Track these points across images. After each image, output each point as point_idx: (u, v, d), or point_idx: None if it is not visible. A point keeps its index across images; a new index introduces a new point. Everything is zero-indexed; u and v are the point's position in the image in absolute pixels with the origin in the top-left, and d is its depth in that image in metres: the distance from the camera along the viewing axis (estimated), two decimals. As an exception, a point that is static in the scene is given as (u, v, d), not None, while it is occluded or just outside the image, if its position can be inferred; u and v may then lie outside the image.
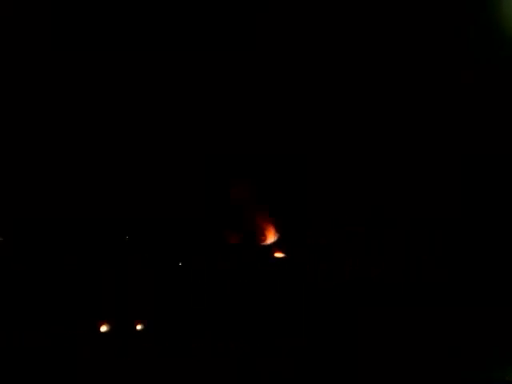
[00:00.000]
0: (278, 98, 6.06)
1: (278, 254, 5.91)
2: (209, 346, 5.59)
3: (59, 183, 5.99)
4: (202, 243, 5.90)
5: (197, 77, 6.05)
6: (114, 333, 5.67)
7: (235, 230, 5.93)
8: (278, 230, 5.90)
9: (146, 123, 6.04)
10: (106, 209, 5.95)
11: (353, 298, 5.81)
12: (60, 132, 6.01)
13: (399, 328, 5.63)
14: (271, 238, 5.95)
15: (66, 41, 5.94)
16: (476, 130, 5.95)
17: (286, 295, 5.80)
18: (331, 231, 5.99)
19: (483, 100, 5.95)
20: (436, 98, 6.02)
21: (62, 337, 5.60)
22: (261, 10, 5.96)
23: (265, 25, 5.98)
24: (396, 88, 6.01)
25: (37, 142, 5.97)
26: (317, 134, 6.06)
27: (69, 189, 5.99)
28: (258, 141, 6.04)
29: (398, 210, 6.00)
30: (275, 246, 5.94)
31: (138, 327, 5.67)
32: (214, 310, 5.76)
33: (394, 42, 5.97)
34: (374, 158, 6.06)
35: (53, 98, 6.00)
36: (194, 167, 5.97)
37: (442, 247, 5.95)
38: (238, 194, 5.91)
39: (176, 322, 5.72)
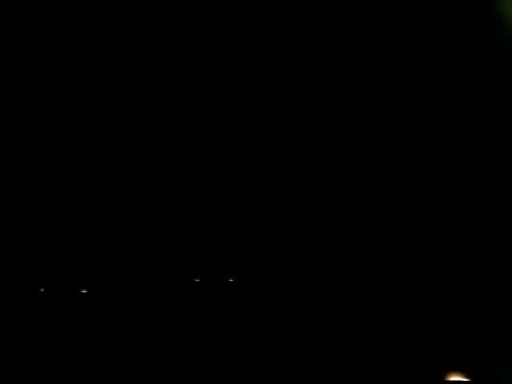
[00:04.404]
0: (277, 99, 6.07)
1: None
2: (208, 346, 5.61)
3: (59, 183, 6.01)
4: None
5: (196, 77, 6.07)
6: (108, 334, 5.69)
7: None
8: None
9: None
10: None
11: (353, 297, 5.82)
12: (59, 131, 6.03)
13: (399, 328, 5.64)
14: None
15: (66, 41, 5.97)
16: (476, 129, 5.96)
17: (285, 295, 5.82)
18: (331, 231, 5.99)
19: (483, 100, 5.96)
20: (436, 97, 6.03)
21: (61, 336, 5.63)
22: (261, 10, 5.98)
23: (265, 24, 6.00)
24: (396, 88, 6.02)
25: (31, 141, 6.00)
26: (317, 134, 6.07)
27: (68, 188, 6.01)
28: (258, 141, 6.05)
29: (397, 210, 6.01)
30: None
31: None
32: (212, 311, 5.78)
33: (394, 42, 5.99)
34: (373, 159, 6.07)
35: (51, 98, 6.02)
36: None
37: (442, 247, 5.95)
38: None
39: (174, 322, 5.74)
